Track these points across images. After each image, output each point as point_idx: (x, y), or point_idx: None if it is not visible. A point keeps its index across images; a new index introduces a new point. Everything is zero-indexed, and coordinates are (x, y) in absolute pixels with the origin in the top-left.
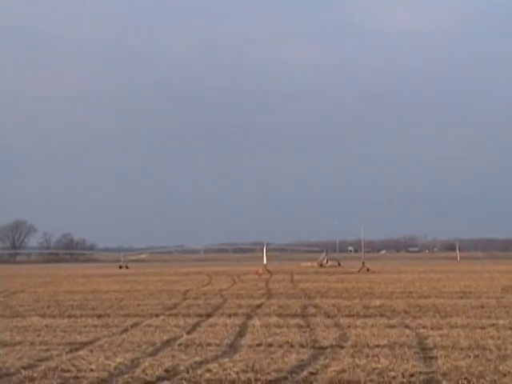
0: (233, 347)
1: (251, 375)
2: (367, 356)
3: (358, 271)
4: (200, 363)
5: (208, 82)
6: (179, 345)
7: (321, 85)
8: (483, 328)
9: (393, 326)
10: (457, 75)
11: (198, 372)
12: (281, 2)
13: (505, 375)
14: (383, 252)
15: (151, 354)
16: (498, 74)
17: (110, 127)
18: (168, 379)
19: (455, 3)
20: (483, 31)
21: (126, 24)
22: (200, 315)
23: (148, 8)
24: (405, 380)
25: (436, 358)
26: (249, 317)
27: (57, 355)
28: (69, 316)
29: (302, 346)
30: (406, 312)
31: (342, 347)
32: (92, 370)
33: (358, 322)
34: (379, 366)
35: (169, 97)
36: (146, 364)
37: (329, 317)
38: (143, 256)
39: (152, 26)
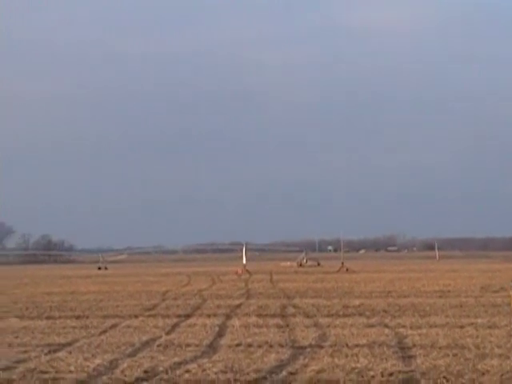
0: (212, 347)
1: (230, 376)
2: (346, 355)
3: (338, 271)
4: (179, 364)
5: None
6: (158, 345)
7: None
8: (462, 327)
9: (372, 326)
10: (431, 74)
11: (177, 373)
12: (258, 6)
13: (483, 374)
14: (362, 251)
15: (130, 355)
16: (471, 71)
17: (90, 130)
18: (147, 380)
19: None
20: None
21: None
22: (179, 316)
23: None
24: (384, 379)
25: (415, 356)
26: (228, 317)
27: (35, 357)
28: (47, 317)
29: (282, 346)
30: (385, 311)
31: (322, 347)
32: (71, 372)
33: (338, 322)
34: (358, 365)
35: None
36: (125, 365)
37: (308, 316)
38: (122, 257)
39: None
